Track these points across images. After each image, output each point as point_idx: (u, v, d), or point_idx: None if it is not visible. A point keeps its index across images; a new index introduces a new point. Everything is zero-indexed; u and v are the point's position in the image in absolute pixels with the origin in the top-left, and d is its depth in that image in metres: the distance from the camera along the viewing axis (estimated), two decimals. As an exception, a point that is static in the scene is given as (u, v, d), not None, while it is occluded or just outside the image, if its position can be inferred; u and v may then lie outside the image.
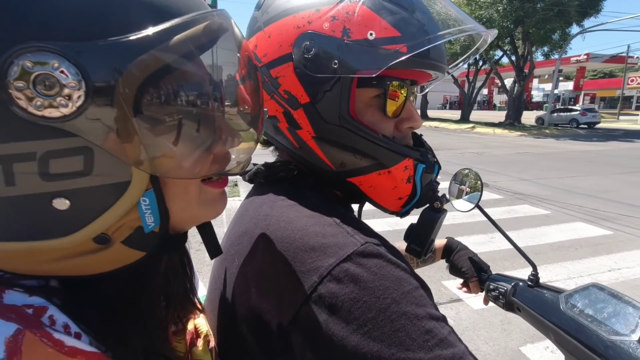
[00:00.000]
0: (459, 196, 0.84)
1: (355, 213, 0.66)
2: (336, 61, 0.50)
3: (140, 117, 0.31)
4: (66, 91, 0.27)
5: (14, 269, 0.34)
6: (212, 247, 0.48)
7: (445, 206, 0.63)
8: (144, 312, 0.40)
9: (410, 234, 0.64)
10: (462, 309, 2.76)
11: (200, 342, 0.50)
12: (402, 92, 0.55)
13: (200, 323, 0.52)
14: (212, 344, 0.52)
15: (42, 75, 0.27)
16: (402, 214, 0.61)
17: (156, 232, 0.37)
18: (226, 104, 0.39)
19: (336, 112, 0.52)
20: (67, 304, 0.34)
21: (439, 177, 0.62)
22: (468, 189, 0.84)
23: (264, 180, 0.59)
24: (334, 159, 0.55)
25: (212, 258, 0.50)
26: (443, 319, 0.44)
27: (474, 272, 0.97)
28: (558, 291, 0.75)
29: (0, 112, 0.27)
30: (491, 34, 0.58)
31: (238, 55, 0.40)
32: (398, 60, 0.48)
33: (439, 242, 1.04)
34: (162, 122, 0.32)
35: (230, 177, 0.52)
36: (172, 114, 0.33)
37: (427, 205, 0.61)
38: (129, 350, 0.37)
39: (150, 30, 0.30)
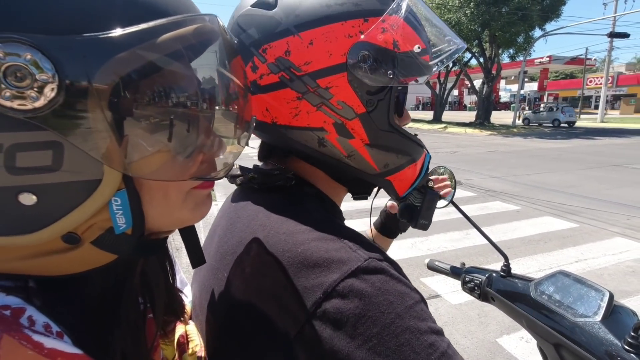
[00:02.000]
0: None
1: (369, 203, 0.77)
2: (391, 72, 0.51)
3: (114, 116, 0.30)
4: (38, 84, 0.27)
5: None
6: (196, 256, 0.46)
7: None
8: (122, 315, 0.39)
9: (413, 212, 0.76)
10: (441, 304, 2.83)
11: (190, 350, 0.49)
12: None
13: (191, 330, 0.52)
14: (203, 353, 0.51)
15: (14, 66, 0.26)
16: (403, 197, 0.66)
17: (129, 234, 0.35)
18: (208, 109, 0.38)
19: (386, 119, 0.55)
20: (46, 304, 0.33)
21: None
22: None
23: (257, 187, 0.57)
24: (379, 162, 0.57)
25: (194, 267, 0.48)
26: (442, 332, 0.45)
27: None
28: (528, 280, 0.79)
29: None
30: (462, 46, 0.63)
31: (228, 61, 0.39)
32: (436, 70, 0.56)
33: (368, 231, 1.03)
34: (137, 122, 0.31)
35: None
36: (148, 116, 0.32)
37: (422, 187, 0.72)
38: (109, 353, 0.36)
39: (131, 29, 0.30)
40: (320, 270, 0.44)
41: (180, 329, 0.51)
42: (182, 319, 0.53)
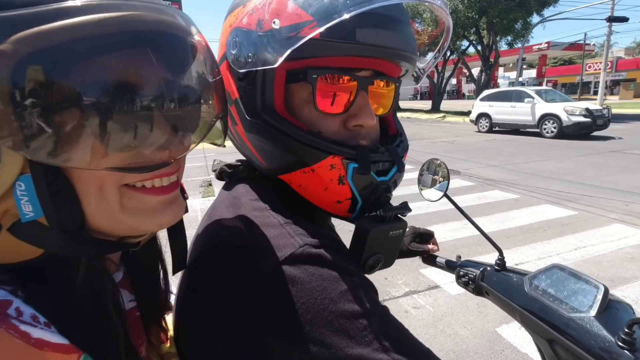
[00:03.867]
0: (432, 185, 0.87)
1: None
2: (250, 54, 0.48)
3: (6, 91, 0.28)
4: None
5: None
6: (178, 260, 0.47)
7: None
8: (104, 308, 0.40)
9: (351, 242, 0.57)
10: (440, 295, 2.84)
11: (169, 340, 0.51)
12: (346, 85, 0.51)
13: (169, 321, 0.53)
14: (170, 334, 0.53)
15: None
16: (352, 220, 0.56)
17: (44, 225, 0.34)
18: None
19: (255, 107, 0.51)
20: (31, 296, 0.34)
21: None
22: (441, 179, 0.86)
23: (228, 179, 0.60)
24: (262, 154, 0.54)
25: (174, 272, 0.49)
26: (382, 310, 0.45)
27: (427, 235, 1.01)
28: (523, 274, 0.78)
29: None
30: (437, 3, 0.50)
31: (153, 53, 0.36)
32: (295, 45, 0.44)
33: None
34: (40, 101, 0.29)
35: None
36: (36, 91, 0.30)
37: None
38: (98, 343, 0.37)
39: (40, 8, 0.29)
40: (258, 257, 0.44)
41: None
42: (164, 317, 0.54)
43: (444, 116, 20.62)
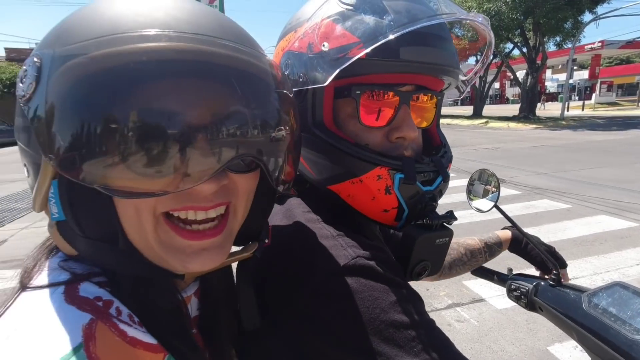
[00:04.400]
0: (484, 196, 0.86)
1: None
2: (301, 74, 0.53)
3: (57, 114, 0.33)
4: (29, 81, 0.35)
5: None
6: (248, 320, 0.48)
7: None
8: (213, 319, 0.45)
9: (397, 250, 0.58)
10: (485, 309, 2.73)
11: None
12: (388, 99, 0.53)
13: None
14: None
15: (26, 68, 0.36)
16: (398, 228, 0.57)
17: (58, 223, 0.40)
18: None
19: (309, 123, 0.55)
20: (129, 298, 0.38)
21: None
22: (494, 189, 0.85)
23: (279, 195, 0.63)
24: (313, 166, 0.58)
25: (247, 329, 0.49)
26: (430, 323, 0.47)
27: (556, 262, 0.87)
28: (580, 290, 0.75)
29: None
30: (481, 18, 0.53)
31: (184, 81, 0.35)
32: (344, 65, 0.47)
33: (504, 233, 1.01)
34: (68, 123, 0.33)
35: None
36: (66, 114, 0.33)
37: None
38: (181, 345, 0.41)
39: (76, 45, 0.35)
40: (311, 268, 0.47)
41: None
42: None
43: (486, 122, 19.89)
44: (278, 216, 0.59)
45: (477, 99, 25.09)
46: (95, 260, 0.39)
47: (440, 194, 0.58)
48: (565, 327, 0.74)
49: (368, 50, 0.46)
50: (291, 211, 0.57)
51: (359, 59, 0.47)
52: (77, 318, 0.34)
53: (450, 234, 0.58)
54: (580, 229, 4.23)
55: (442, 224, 0.57)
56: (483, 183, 0.87)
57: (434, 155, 0.60)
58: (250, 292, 0.48)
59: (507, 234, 1.01)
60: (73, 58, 0.33)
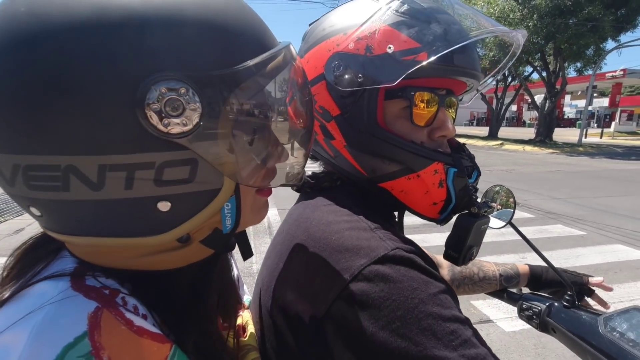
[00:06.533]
0: (497, 213, 0.85)
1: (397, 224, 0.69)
2: (360, 75, 0.55)
3: (237, 135, 0.36)
4: (187, 113, 0.33)
5: (100, 263, 0.39)
6: (245, 249, 0.52)
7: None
8: (201, 305, 0.45)
9: (457, 242, 0.64)
10: (493, 330, 2.66)
11: (247, 333, 0.55)
12: (433, 101, 0.58)
13: (246, 317, 0.58)
14: (254, 339, 0.56)
15: (173, 99, 0.32)
16: (440, 220, 0.62)
17: (228, 233, 0.42)
18: (292, 126, 0.45)
19: (364, 122, 0.57)
20: (136, 289, 0.39)
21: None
22: (499, 207, 0.84)
23: (310, 190, 0.64)
24: (365, 165, 0.59)
25: (244, 259, 0.54)
26: (467, 321, 0.46)
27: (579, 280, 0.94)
28: (596, 313, 0.73)
29: (134, 129, 0.32)
30: (521, 34, 0.60)
31: (301, 80, 0.45)
32: (414, 68, 0.52)
33: (523, 267, 1.00)
34: (250, 137, 0.38)
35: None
36: (258, 131, 0.39)
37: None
38: (186, 337, 0.41)
39: (247, 64, 0.36)
40: (350, 255, 0.48)
41: (238, 320, 0.56)
42: (242, 310, 0.58)
43: (501, 143, 19.71)
44: (309, 209, 0.59)
45: (493, 120, 24.91)
46: (224, 251, 0.46)
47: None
48: (580, 350, 0.71)
49: (440, 54, 0.51)
50: (317, 207, 0.58)
51: (410, 59, 0.52)
52: (82, 306, 0.33)
53: (488, 220, 0.64)
54: (595, 256, 4.11)
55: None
56: (496, 200, 0.85)
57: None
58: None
59: (526, 268, 1.00)
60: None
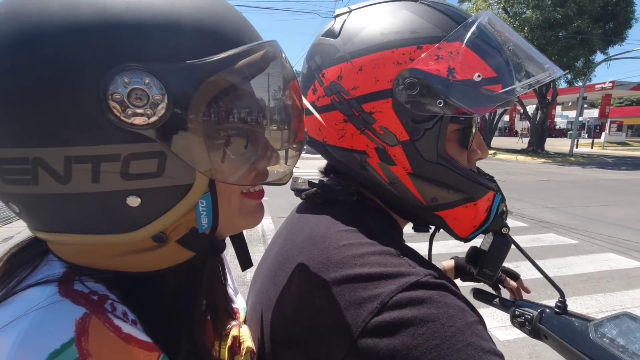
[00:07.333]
0: None
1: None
2: (441, 100, 0.49)
3: (207, 128, 0.35)
4: (152, 103, 0.32)
5: (77, 262, 0.38)
6: (244, 259, 0.50)
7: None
8: (188, 312, 0.43)
9: (479, 258, 0.66)
10: (486, 340, 2.65)
11: (243, 351, 0.52)
12: (474, 123, 0.57)
13: (243, 333, 0.54)
14: (254, 357, 0.53)
15: (136, 89, 0.32)
16: (467, 239, 0.62)
17: (207, 234, 0.40)
18: (274, 125, 0.44)
19: (434, 150, 0.52)
20: (124, 295, 0.38)
21: None
22: None
23: (320, 201, 0.59)
24: (426, 194, 0.55)
25: (243, 270, 0.51)
26: (503, 357, 0.43)
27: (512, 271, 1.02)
28: (587, 319, 0.73)
29: (98, 120, 0.32)
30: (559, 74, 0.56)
31: (285, 81, 0.43)
32: (505, 100, 0.51)
33: (448, 263, 1.02)
34: (225, 133, 0.37)
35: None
36: (233, 127, 0.38)
37: (493, 231, 0.64)
38: (175, 345, 0.40)
39: (219, 56, 0.35)
40: (378, 282, 0.44)
41: (234, 332, 0.53)
42: (236, 321, 0.56)
43: (494, 153, 19.90)
44: (323, 225, 0.54)
45: (486, 130, 25.19)
46: (208, 254, 0.43)
47: None
48: (571, 356, 0.72)
49: (524, 84, 0.51)
50: (334, 225, 0.53)
51: (490, 89, 0.50)
52: (70, 311, 0.33)
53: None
54: (587, 265, 4.14)
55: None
56: None
57: None
58: (240, 234, 0.51)
59: (451, 263, 1.00)
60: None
